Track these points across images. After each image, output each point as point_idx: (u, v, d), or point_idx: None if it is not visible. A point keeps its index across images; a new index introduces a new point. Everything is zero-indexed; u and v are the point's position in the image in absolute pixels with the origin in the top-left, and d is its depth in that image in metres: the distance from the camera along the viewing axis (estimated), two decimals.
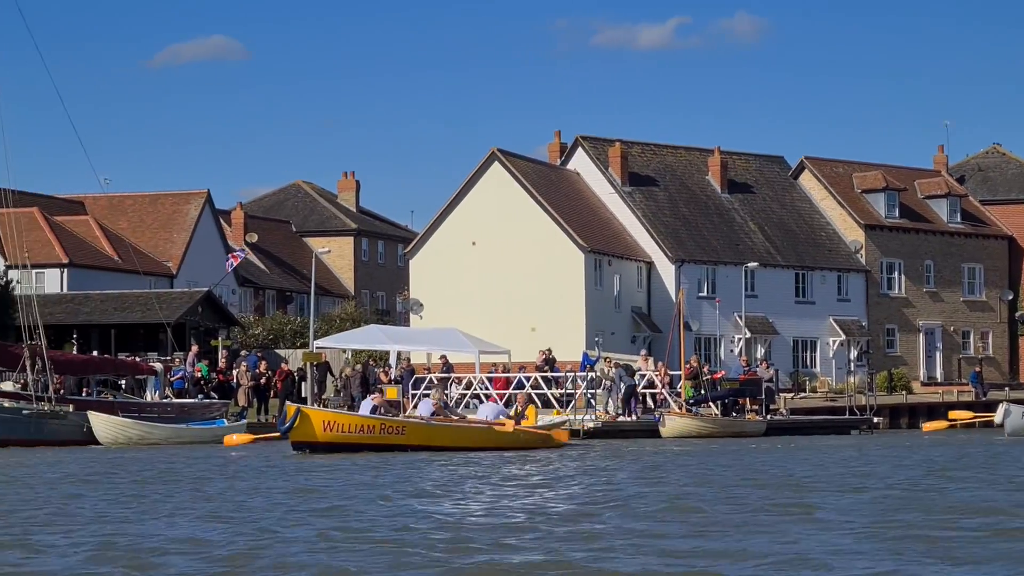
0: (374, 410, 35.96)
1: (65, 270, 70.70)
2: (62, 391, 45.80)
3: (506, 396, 48.32)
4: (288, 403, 39.00)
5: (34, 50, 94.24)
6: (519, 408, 39.56)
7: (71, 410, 42.79)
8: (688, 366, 52.59)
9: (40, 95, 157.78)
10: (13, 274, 56.58)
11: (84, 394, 48.52)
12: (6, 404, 42.05)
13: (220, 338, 61.84)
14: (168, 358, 54.88)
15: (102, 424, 42.14)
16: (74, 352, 55.64)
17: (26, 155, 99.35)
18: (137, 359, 55.48)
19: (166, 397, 48.54)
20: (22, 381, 43.46)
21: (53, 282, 69.71)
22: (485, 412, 38.23)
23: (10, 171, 61.86)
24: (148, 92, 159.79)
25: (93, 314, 63.68)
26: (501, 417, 37.59)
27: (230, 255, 67.70)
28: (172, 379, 50.22)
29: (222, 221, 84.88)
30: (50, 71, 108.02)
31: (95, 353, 57.34)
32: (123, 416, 43.16)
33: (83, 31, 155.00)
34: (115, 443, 41.25)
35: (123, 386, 52.23)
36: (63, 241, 71.98)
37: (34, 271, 58.02)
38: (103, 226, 77.39)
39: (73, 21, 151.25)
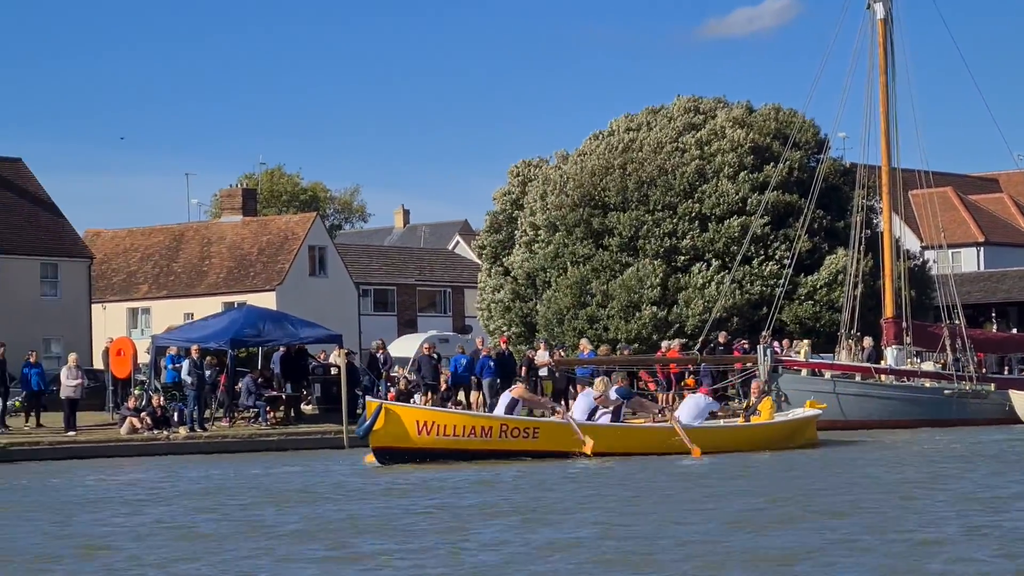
0: (511, 406, 28.21)
1: (981, 248, 70.47)
2: (983, 370, 45.44)
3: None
4: (368, 398, 30.43)
5: (943, 28, 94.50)
6: (752, 399, 32.27)
7: (992, 389, 42.36)
8: None
9: (953, 74, 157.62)
10: (929, 254, 56.91)
11: (1005, 372, 48.06)
12: (927, 384, 42.25)
13: None
14: None
15: None
16: (993, 330, 55.20)
17: (940, 134, 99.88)
18: None
19: None
20: (942, 361, 43.52)
21: (969, 260, 69.70)
22: (683, 411, 29.87)
23: (923, 151, 62.32)
24: None
25: (1011, 291, 62.98)
26: (707, 414, 29.76)
27: None
28: None
29: None
30: (960, 49, 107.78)
31: (1014, 331, 56.72)
32: None
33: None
34: None
35: None
36: (978, 219, 71.79)
37: (950, 250, 58.25)
38: (1018, 202, 76.57)
39: None
